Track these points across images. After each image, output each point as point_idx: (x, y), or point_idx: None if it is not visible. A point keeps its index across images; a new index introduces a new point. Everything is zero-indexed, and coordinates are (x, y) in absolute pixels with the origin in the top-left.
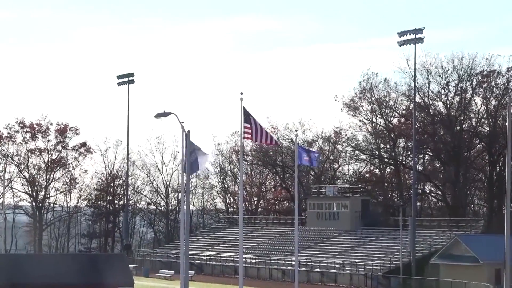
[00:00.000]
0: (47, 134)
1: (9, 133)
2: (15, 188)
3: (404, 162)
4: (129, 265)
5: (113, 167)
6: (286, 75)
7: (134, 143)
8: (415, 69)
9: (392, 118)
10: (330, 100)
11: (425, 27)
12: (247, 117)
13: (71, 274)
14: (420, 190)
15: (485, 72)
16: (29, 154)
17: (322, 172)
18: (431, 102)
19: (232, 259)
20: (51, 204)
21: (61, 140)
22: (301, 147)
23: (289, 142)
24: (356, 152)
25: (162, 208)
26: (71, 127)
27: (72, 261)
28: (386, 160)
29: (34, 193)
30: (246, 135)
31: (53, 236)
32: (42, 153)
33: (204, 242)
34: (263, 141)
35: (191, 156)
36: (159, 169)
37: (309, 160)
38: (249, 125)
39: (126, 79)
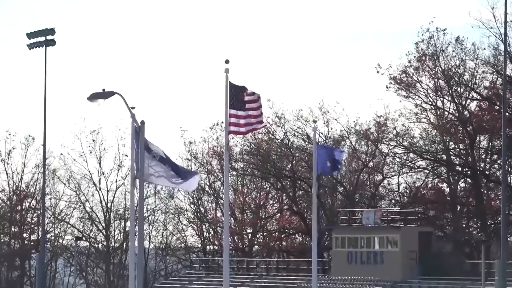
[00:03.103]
0: None
1: None
2: None
3: (487, 172)
4: None
5: (21, 180)
6: (297, 35)
7: (54, 141)
8: (505, 22)
9: (469, 101)
10: (369, 73)
11: None
12: (235, 97)
13: None
14: None
15: None
16: None
17: (356, 187)
18: None
19: None
20: None
21: None
22: (323, 147)
23: (303, 139)
24: (411, 155)
25: (100, 245)
26: None
27: None
28: (458, 168)
29: None
30: (233, 128)
31: None
32: None
33: None
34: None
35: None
36: (95, 184)
37: (332, 165)
38: (241, 113)
39: (42, 39)
